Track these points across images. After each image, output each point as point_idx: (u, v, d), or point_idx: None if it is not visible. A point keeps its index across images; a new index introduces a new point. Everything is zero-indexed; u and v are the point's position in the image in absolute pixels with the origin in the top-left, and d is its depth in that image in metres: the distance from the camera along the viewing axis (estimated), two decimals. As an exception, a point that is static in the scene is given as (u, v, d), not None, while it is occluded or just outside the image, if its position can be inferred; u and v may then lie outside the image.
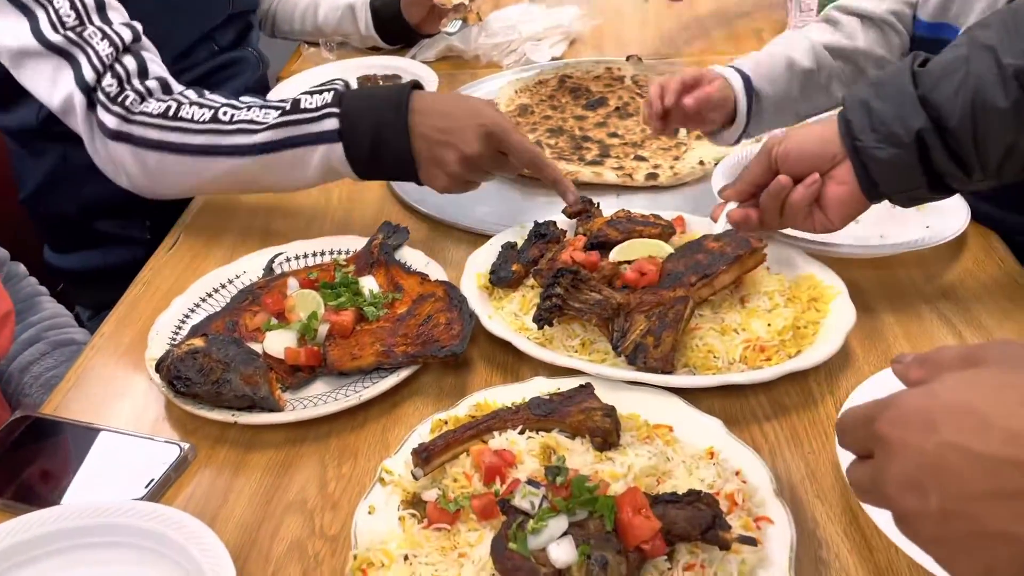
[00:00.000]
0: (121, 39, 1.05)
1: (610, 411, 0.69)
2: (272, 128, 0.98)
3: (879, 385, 0.73)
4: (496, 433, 0.70)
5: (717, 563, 0.58)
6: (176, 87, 1.07)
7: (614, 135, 1.24)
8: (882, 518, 0.61)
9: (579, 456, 0.67)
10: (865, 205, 0.81)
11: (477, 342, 0.87)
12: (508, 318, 0.88)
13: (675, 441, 0.70)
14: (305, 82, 1.50)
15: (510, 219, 1.08)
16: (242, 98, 1.04)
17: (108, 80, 1.03)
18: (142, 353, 0.88)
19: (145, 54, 1.08)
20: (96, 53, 1.03)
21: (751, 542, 0.58)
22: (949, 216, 0.94)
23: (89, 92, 1.03)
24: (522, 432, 0.69)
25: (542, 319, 0.81)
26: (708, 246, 0.84)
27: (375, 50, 1.63)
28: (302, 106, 0.98)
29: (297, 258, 1.02)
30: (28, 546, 0.67)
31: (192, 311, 0.95)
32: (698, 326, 0.81)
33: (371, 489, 0.69)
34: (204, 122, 1.00)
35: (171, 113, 1.02)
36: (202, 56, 1.44)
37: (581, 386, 0.74)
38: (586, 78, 1.39)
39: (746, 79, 1.01)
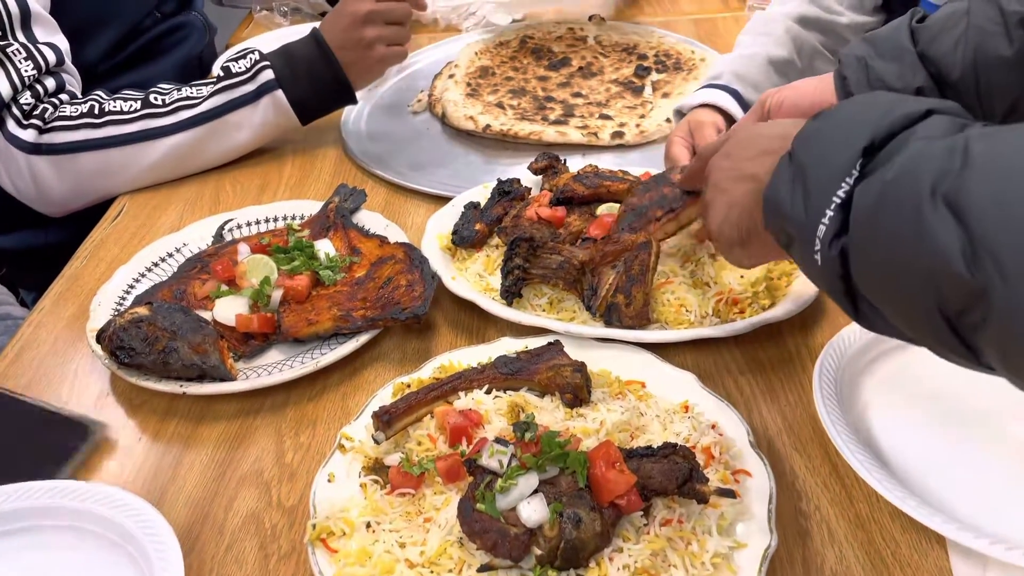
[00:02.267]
0: (45, 60, 1.02)
1: (580, 367, 0.66)
2: (213, 96, 1.02)
3: (854, 336, 0.71)
4: (462, 394, 0.66)
5: (695, 517, 0.56)
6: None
7: (578, 95, 1.20)
8: (862, 467, 0.59)
9: (549, 414, 0.64)
10: None
11: (440, 305, 0.84)
12: (472, 279, 0.84)
13: (648, 396, 0.67)
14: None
15: (472, 181, 1.04)
16: (159, 85, 1.05)
17: (26, 98, 1.00)
18: (84, 326, 0.83)
19: (66, 76, 1.05)
20: (17, 71, 0.99)
21: (730, 494, 0.56)
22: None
23: (2, 108, 0.99)
24: (489, 392, 0.66)
25: (510, 293, 0.77)
26: (674, 179, 0.81)
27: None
28: (233, 71, 1.03)
29: (249, 224, 0.97)
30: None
31: (137, 281, 0.89)
32: (669, 280, 0.78)
33: (330, 457, 0.65)
34: (135, 111, 1.02)
35: (96, 111, 1.00)
36: (147, 24, 1.37)
37: (549, 343, 0.71)
38: (548, 39, 1.35)
39: (735, 94, 0.94)
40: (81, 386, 0.80)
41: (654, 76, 1.22)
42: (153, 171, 1.05)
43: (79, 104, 1.02)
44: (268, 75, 1.03)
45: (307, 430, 0.73)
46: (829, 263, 0.48)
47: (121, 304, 0.86)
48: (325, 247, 0.88)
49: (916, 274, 0.43)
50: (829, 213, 0.48)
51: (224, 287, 0.84)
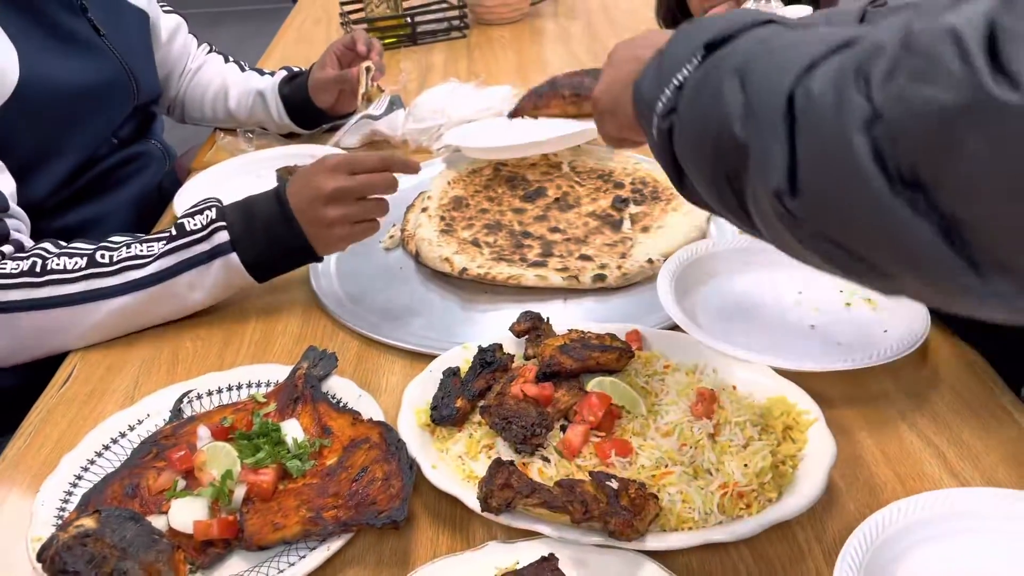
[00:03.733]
0: None
1: (580, 599, 0.60)
2: (162, 256, 0.97)
3: (870, 537, 0.66)
4: (448, 632, 0.59)
5: None
6: (29, 244, 0.99)
7: (556, 230, 1.17)
8: None
9: (548, 661, 0.57)
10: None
11: (420, 491, 0.77)
12: (454, 464, 0.78)
13: (656, 626, 0.60)
14: (223, 174, 1.39)
15: (449, 333, 0.99)
16: (111, 238, 1.00)
17: None
18: (26, 528, 0.75)
19: (10, 222, 1.00)
20: None
21: None
22: (905, 318, 0.90)
23: None
24: (479, 629, 0.59)
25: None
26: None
27: (294, 136, 1.54)
28: (187, 228, 0.98)
29: (210, 394, 0.90)
30: None
31: (86, 469, 0.82)
32: (668, 470, 0.72)
33: None
34: (79, 269, 0.95)
35: (37, 269, 0.94)
36: (103, 152, 1.32)
37: (543, 559, 0.64)
38: (522, 166, 1.32)
39: None
40: (17, 608, 0.71)
41: (632, 208, 1.19)
42: (98, 330, 0.99)
43: (20, 260, 0.96)
44: (223, 236, 0.97)
45: (274, 663, 0.65)
46: (661, 136, 0.58)
47: (68, 501, 0.78)
48: (292, 430, 0.81)
49: (710, 142, 0.51)
50: (667, 92, 0.57)
51: (181, 482, 0.77)
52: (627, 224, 1.17)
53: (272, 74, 1.53)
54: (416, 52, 2.01)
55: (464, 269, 1.08)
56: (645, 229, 1.15)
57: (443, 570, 0.67)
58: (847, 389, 0.85)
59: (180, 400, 0.89)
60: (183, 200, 1.28)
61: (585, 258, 1.09)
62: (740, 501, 0.70)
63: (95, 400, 0.94)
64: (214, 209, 0.99)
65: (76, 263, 0.96)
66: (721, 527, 0.68)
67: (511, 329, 0.90)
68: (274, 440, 0.79)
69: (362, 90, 1.45)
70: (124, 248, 0.98)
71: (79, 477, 0.81)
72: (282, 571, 0.69)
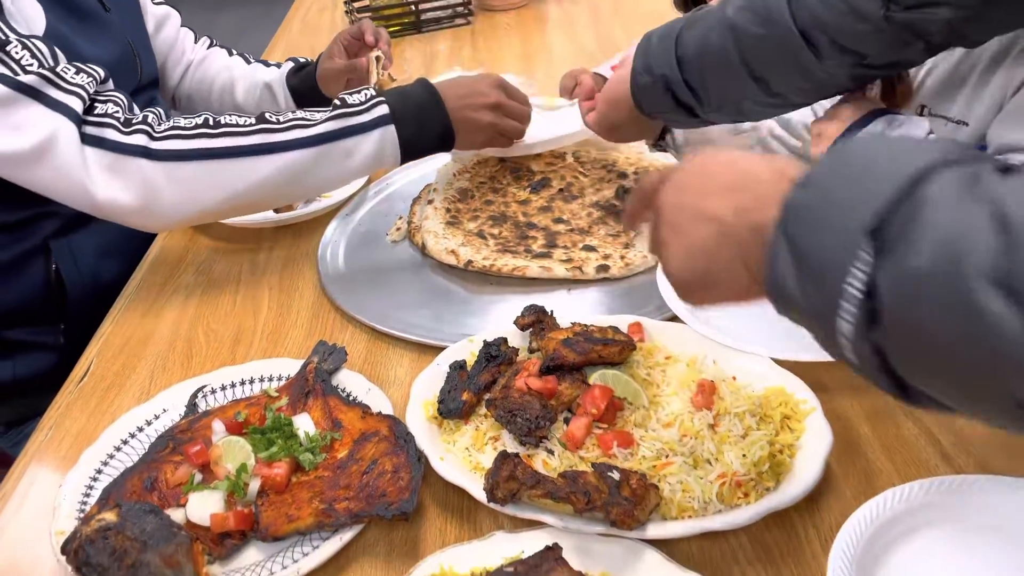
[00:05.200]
0: (97, 74, 1.03)
1: (582, 587, 0.62)
2: (328, 120, 1.04)
3: (865, 522, 0.68)
4: (456, 620, 0.62)
5: None
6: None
7: (560, 220, 1.18)
8: None
9: (551, 647, 0.59)
10: (624, 115, 1.02)
11: (429, 483, 0.79)
12: (461, 456, 0.80)
13: (656, 613, 0.63)
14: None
15: (456, 324, 1.01)
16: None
17: (110, 108, 1.00)
18: (48, 520, 0.78)
19: (120, 90, 1.05)
20: (79, 85, 1.00)
21: None
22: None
23: (82, 123, 0.98)
24: (485, 617, 0.62)
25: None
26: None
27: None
28: (349, 101, 1.06)
29: (223, 388, 0.93)
30: None
31: (105, 464, 0.84)
32: (669, 460, 0.75)
33: None
34: (251, 125, 1.02)
35: (211, 123, 1.01)
36: None
37: (547, 548, 0.67)
38: (527, 156, 1.33)
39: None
40: (44, 598, 0.74)
41: (636, 198, 1.20)
42: (263, 187, 1.03)
43: (193, 117, 1.02)
44: (383, 110, 1.05)
45: (290, 649, 0.68)
46: (866, 359, 0.45)
47: (89, 495, 0.81)
48: (304, 424, 0.84)
49: (979, 365, 0.41)
50: (847, 307, 0.44)
51: (198, 475, 0.79)
52: (630, 214, 1.18)
53: (278, 66, 1.54)
54: (420, 40, 2.01)
55: (470, 261, 1.10)
56: (648, 219, 1.16)
57: (451, 559, 0.69)
58: (845, 379, 0.86)
59: (195, 395, 0.91)
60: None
61: (589, 249, 1.11)
62: (739, 490, 0.72)
63: (112, 395, 0.97)
64: (372, 89, 1.08)
65: (247, 120, 1.02)
66: (720, 515, 0.70)
67: (515, 323, 0.92)
68: (287, 434, 0.82)
69: (374, 79, 1.46)
70: (290, 112, 1.05)
71: (99, 471, 0.84)
72: (296, 561, 0.72)
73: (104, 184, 0.98)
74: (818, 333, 0.49)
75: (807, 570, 0.69)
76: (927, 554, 0.68)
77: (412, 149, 1.08)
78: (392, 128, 1.05)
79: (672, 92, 0.93)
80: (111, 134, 0.98)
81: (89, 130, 0.98)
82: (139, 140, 0.99)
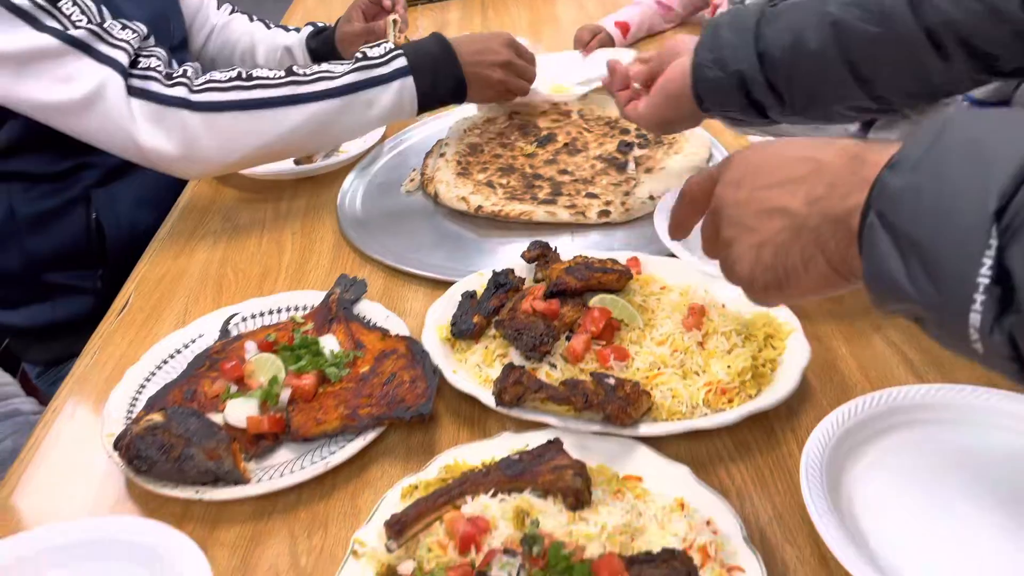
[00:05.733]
0: (140, 30, 1.12)
1: (580, 469, 0.70)
2: (351, 72, 1.12)
3: (837, 423, 0.75)
4: (468, 497, 0.69)
5: (695, 619, 0.59)
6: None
7: (564, 172, 1.25)
8: (851, 564, 0.63)
9: (552, 517, 0.67)
10: (683, 112, 0.96)
11: (442, 395, 0.87)
12: (472, 371, 0.88)
13: (646, 493, 0.70)
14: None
15: (466, 263, 1.08)
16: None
17: (153, 63, 1.09)
18: (97, 428, 0.86)
19: (160, 47, 1.14)
20: (124, 40, 1.08)
21: (726, 596, 0.59)
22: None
23: (128, 76, 1.07)
24: (494, 495, 0.69)
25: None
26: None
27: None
28: (369, 55, 1.14)
29: (253, 317, 1.01)
30: (25, 562, 0.72)
31: (148, 380, 0.92)
32: (660, 371, 0.82)
33: (345, 562, 0.69)
34: (280, 78, 1.11)
35: (244, 76, 1.10)
36: None
37: (550, 442, 0.74)
38: (534, 114, 1.40)
39: None
40: (99, 490, 0.82)
41: (636, 151, 1.27)
42: (292, 136, 1.12)
43: (227, 71, 1.12)
44: (402, 62, 1.13)
45: (319, 532, 0.76)
46: (995, 348, 0.42)
47: (134, 406, 0.89)
48: (329, 343, 0.92)
49: None
50: (979, 297, 0.41)
51: (234, 387, 0.87)
52: (631, 166, 1.25)
53: (297, 30, 1.61)
54: (432, 10, 2.08)
55: (479, 207, 1.17)
56: (648, 170, 1.23)
57: (463, 454, 0.77)
58: (827, 305, 0.94)
59: (227, 321, 0.99)
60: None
61: (591, 196, 1.18)
62: (723, 396, 0.80)
63: (151, 324, 1.05)
64: (389, 43, 1.16)
65: (276, 73, 1.11)
66: (706, 418, 0.78)
67: (522, 256, 0.99)
68: (314, 352, 0.89)
69: (390, 43, 1.53)
70: (315, 66, 1.13)
71: (142, 387, 0.92)
72: (324, 458, 0.80)
73: (148, 133, 1.07)
74: (936, 324, 0.45)
75: (783, 465, 0.77)
76: (893, 452, 0.76)
77: (428, 100, 1.16)
78: (410, 79, 1.13)
79: (747, 90, 0.86)
80: (154, 86, 1.07)
81: (134, 82, 1.07)
82: (180, 92, 1.07)
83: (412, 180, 1.29)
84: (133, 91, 1.06)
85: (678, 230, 0.67)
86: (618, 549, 0.63)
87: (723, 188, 0.58)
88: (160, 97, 1.07)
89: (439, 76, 1.16)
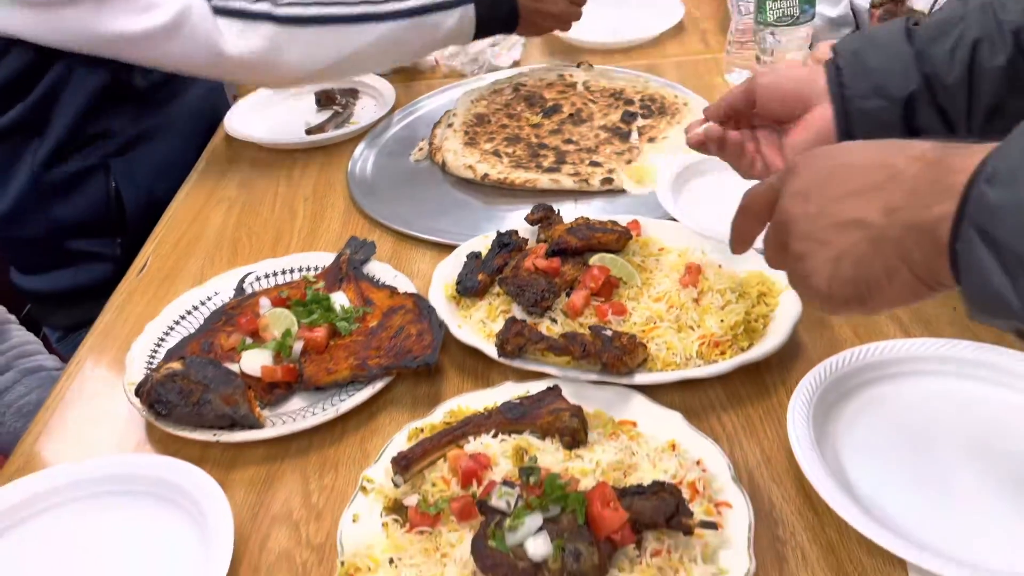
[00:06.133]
0: None
1: (577, 411, 0.73)
2: None
3: (826, 373, 0.79)
4: (471, 438, 0.73)
5: (682, 548, 0.63)
6: None
7: (569, 141, 1.28)
8: (831, 497, 0.66)
9: (550, 455, 0.71)
10: None
11: (448, 350, 0.91)
12: (476, 326, 0.91)
13: (639, 436, 0.74)
14: (266, 100, 1.51)
15: (473, 228, 1.12)
16: None
17: None
18: (118, 378, 0.90)
19: None
20: None
21: (712, 526, 0.63)
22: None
23: None
24: (495, 436, 0.73)
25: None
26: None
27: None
28: None
29: (267, 276, 1.05)
30: (53, 494, 0.77)
31: (167, 334, 0.97)
32: (656, 325, 0.86)
33: (354, 498, 0.73)
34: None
35: None
36: None
37: (549, 388, 0.78)
38: (540, 85, 1.43)
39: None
40: (121, 435, 0.87)
41: (640, 122, 1.30)
42: (365, 52, 1.20)
43: None
44: None
45: (330, 472, 0.80)
46: None
47: (153, 357, 0.93)
48: (340, 299, 0.95)
49: None
50: None
51: (249, 340, 0.91)
52: (635, 136, 1.28)
53: None
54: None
55: (486, 175, 1.21)
56: (651, 140, 1.26)
57: (467, 401, 0.81)
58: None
59: (242, 280, 1.03)
60: (233, 119, 1.42)
61: (595, 164, 1.21)
62: (716, 349, 0.83)
63: (169, 283, 1.09)
64: None
65: None
66: (699, 368, 0.81)
67: (526, 219, 1.02)
68: (325, 307, 0.93)
69: None
70: None
71: (161, 340, 0.96)
72: (335, 405, 0.84)
73: (235, 45, 1.14)
74: None
75: (773, 414, 0.80)
76: (878, 401, 0.79)
77: (483, 27, 1.26)
78: (472, 6, 1.22)
79: (911, 118, 0.77)
80: (238, 3, 1.14)
81: (217, 2, 1.13)
82: (263, 8, 1.14)
83: (421, 149, 1.33)
84: (218, 10, 1.13)
85: (740, 244, 0.65)
86: (611, 483, 0.66)
87: (790, 201, 0.56)
88: (245, 13, 1.14)
89: (496, 4, 1.24)
